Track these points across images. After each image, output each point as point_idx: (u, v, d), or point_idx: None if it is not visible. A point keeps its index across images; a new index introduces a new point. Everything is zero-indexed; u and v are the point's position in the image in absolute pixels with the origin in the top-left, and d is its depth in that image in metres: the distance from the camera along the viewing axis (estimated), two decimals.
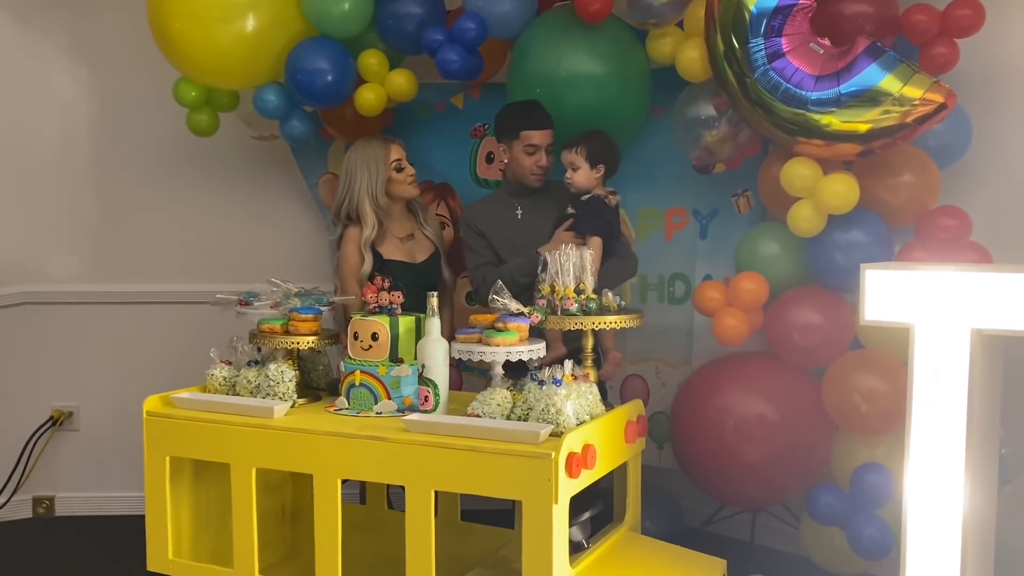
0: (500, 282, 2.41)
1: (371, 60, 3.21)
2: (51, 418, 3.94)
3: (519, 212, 3.00)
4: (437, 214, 3.58)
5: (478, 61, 3.11)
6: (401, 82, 3.22)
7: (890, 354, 2.64)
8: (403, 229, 3.04)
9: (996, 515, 2.26)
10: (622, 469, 2.46)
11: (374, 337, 2.45)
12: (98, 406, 3.97)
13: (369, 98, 3.21)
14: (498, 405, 2.27)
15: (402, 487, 2.20)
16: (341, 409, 2.48)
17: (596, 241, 2.77)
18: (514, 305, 2.37)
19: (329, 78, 3.14)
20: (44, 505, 3.97)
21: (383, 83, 3.23)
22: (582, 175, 2.84)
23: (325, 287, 3.22)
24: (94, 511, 3.95)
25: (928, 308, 1.94)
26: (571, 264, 2.45)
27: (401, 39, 3.21)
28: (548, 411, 2.16)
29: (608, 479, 2.39)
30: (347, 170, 2.98)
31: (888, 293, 2.00)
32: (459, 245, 3.50)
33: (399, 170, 2.96)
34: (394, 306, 2.51)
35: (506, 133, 2.98)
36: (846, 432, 2.77)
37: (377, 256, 2.95)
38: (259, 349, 2.65)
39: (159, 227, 3.97)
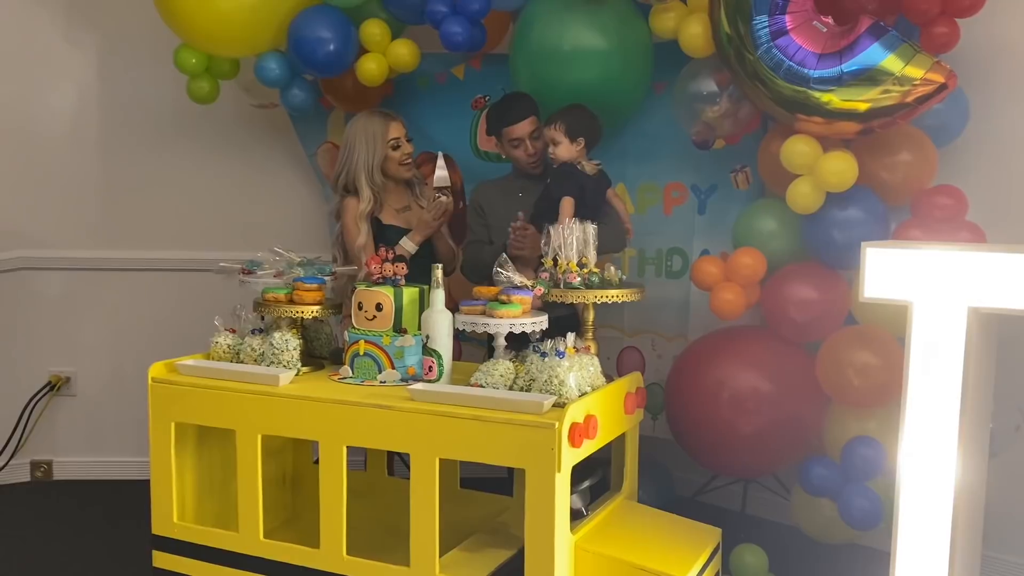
0: (504, 255, 2.44)
1: (373, 30, 3.21)
2: (49, 383, 3.96)
3: (521, 194, 3.03)
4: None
5: (481, 33, 3.12)
6: (403, 52, 3.22)
7: (884, 330, 2.68)
8: (399, 201, 3.06)
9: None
10: (620, 439, 2.51)
11: (378, 307, 2.48)
12: (95, 371, 4.00)
13: (371, 68, 3.22)
14: (501, 376, 2.30)
15: (398, 453, 2.24)
16: (345, 378, 2.51)
17: (567, 201, 2.79)
18: (518, 278, 2.41)
19: (331, 47, 3.15)
20: (42, 469, 4.00)
21: (385, 53, 3.23)
22: (563, 149, 2.87)
23: (325, 257, 3.24)
24: (91, 475, 3.99)
25: (927, 286, 1.98)
26: (574, 238, 2.49)
27: (403, 9, 3.21)
28: (551, 382, 2.20)
29: (605, 449, 2.44)
30: (347, 142, 2.98)
31: (887, 271, 2.04)
32: (461, 215, 3.53)
33: (396, 148, 2.96)
34: (398, 277, 2.53)
35: (494, 133, 3.06)
36: (839, 405, 2.82)
37: (376, 221, 2.97)
38: (263, 317, 2.67)
39: (157, 194, 3.97)
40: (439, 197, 2.96)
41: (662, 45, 3.12)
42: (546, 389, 2.21)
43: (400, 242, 2.92)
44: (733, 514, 3.22)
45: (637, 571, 2.18)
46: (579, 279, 2.46)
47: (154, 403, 2.54)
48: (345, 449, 2.30)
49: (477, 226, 3.08)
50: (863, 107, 2.54)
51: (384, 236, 2.95)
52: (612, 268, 2.52)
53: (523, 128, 2.98)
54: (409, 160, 3.02)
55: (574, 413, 2.11)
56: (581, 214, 2.66)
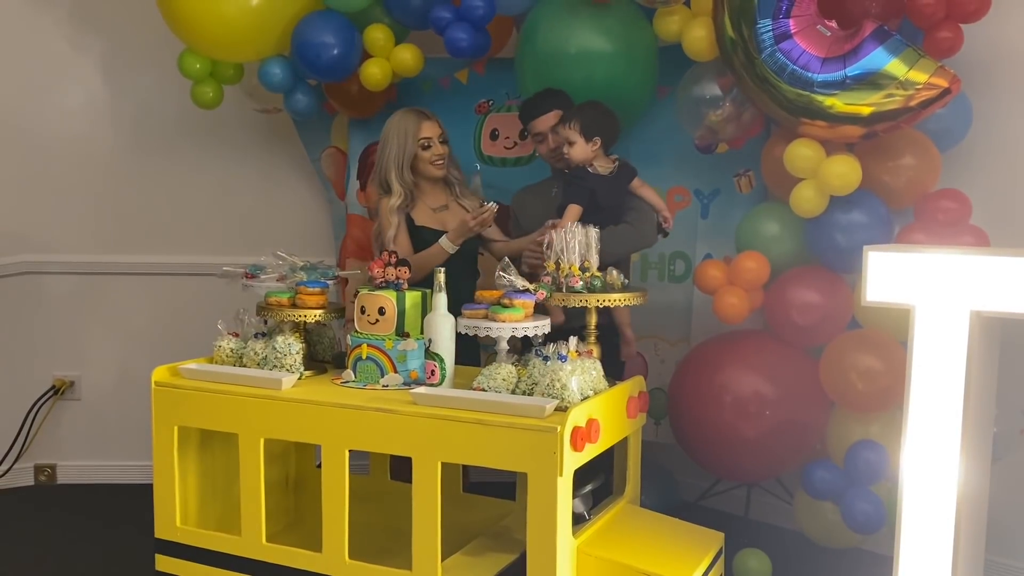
0: (507, 259, 2.44)
1: (377, 35, 3.22)
2: (53, 387, 3.97)
3: (555, 192, 3.01)
4: None
5: (486, 39, 3.12)
6: (407, 57, 3.23)
7: (887, 334, 2.68)
8: (436, 200, 3.05)
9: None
10: (623, 443, 2.51)
11: (381, 311, 2.48)
12: (99, 376, 4.00)
13: (375, 73, 3.22)
14: (503, 380, 2.30)
15: (402, 458, 2.24)
16: (348, 382, 2.51)
17: (571, 208, 2.77)
18: (520, 282, 2.41)
19: (335, 52, 3.15)
20: (46, 473, 4.01)
21: (389, 58, 3.24)
22: (578, 149, 2.83)
23: (328, 261, 3.25)
24: (95, 479, 3.99)
25: (929, 290, 1.98)
26: (576, 242, 2.48)
27: (407, 14, 3.22)
28: (553, 386, 2.20)
29: (607, 453, 2.43)
30: (383, 137, 2.99)
31: (890, 275, 2.04)
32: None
33: (426, 148, 2.96)
34: (400, 281, 2.53)
35: (525, 129, 3.07)
36: (842, 410, 2.82)
37: (410, 222, 2.98)
38: (265, 321, 2.68)
39: (161, 198, 3.98)
40: (488, 203, 2.88)
41: (666, 49, 3.13)
42: (548, 393, 2.20)
43: (439, 241, 2.91)
44: (736, 518, 3.21)
45: None
46: (581, 283, 2.46)
47: (157, 407, 2.54)
48: (347, 453, 2.30)
49: (515, 231, 3.09)
50: (867, 111, 2.54)
51: (418, 237, 2.95)
52: (615, 272, 2.52)
53: (545, 122, 2.95)
54: (441, 161, 3.00)
55: (576, 417, 2.11)
56: (596, 218, 2.64)
